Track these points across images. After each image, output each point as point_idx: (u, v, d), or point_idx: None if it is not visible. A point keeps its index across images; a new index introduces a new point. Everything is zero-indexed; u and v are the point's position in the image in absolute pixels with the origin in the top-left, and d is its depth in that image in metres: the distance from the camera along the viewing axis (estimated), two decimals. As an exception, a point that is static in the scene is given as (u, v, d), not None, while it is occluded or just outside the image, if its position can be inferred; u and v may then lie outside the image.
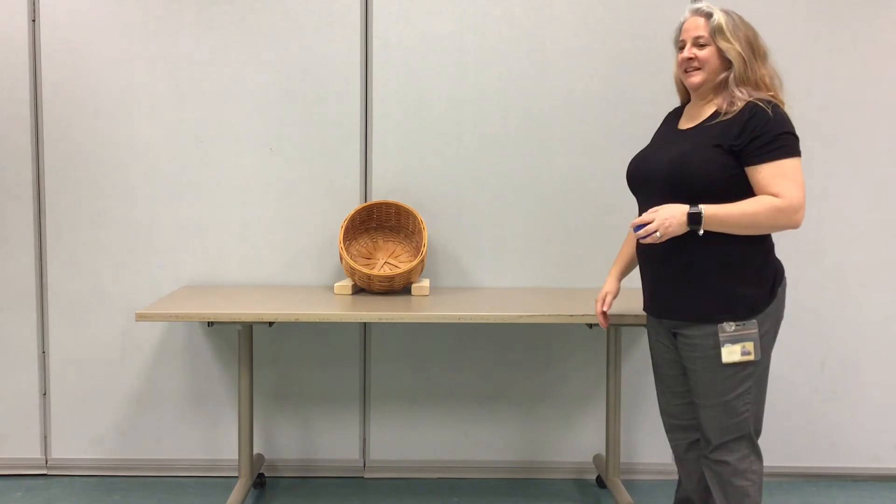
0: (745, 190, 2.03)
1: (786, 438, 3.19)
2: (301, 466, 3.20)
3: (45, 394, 3.16)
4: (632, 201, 2.33)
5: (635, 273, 2.37)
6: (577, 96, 3.08)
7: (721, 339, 2.04)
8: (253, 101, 3.07)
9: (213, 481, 3.13)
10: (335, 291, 2.90)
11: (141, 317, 2.49)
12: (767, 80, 2.08)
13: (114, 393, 3.16)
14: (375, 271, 2.91)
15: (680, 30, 2.17)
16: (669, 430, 2.34)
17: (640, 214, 2.22)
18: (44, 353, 3.15)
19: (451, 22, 3.06)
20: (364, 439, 3.21)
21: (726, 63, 2.08)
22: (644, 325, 2.39)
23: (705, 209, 2.00)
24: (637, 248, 2.28)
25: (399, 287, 2.88)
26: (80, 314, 3.11)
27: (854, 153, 3.10)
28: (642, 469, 3.21)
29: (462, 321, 2.57)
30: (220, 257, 3.11)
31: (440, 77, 3.07)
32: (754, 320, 2.04)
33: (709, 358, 2.07)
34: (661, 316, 2.21)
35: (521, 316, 2.54)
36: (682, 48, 2.15)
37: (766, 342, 2.08)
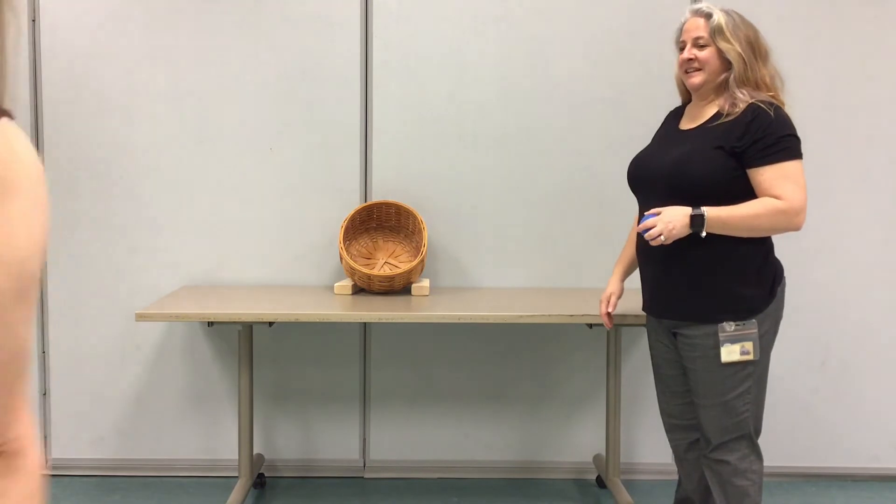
0: (746, 191, 2.03)
1: (786, 438, 3.19)
2: (301, 466, 3.20)
3: (45, 394, 3.16)
4: (632, 201, 2.33)
5: (637, 273, 2.37)
6: (577, 96, 3.08)
7: (721, 338, 2.04)
8: (253, 101, 3.07)
9: (213, 481, 3.13)
10: (335, 291, 2.90)
11: (141, 317, 2.49)
12: (768, 80, 2.08)
13: (114, 393, 3.16)
14: (375, 271, 2.91)
15: (681, 30, 2.17)
16: (669, 430, 2.34)
17: (640, 214, 2.22)
18: (44, 353, 3.15)
19: (451, 22, 3.06)
20: (364, 439, 3.21)
21: (726, 64, 2.08)
22: (645, 326, 2.39)
23: (708, 211, 2.00)
24: (637, 247, 2.28)
25: (399, 287, 2.88)
26: (80, 314, 3.11)
27: (854, 153, 3.09)
28: (642, 469, 3.21)
29: (462, 321, 2.57)
30: (220, 257, 3.11)
31: (440, 77, 3.07)
32: (754, 320, 2.04)
33: (708, 358, 2.07)
34: (660, 316, 2.21)
35: (521, 316, 2.54)
36: (682, 49, 2.15)
37: (765, 342, 2.08)
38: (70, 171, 3.04)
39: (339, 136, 3.08)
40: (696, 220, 2.00)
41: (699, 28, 2.10)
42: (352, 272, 2.85)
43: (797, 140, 2.03)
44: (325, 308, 2.61)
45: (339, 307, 2.63)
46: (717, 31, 2.07)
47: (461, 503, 2.96)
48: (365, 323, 3.15)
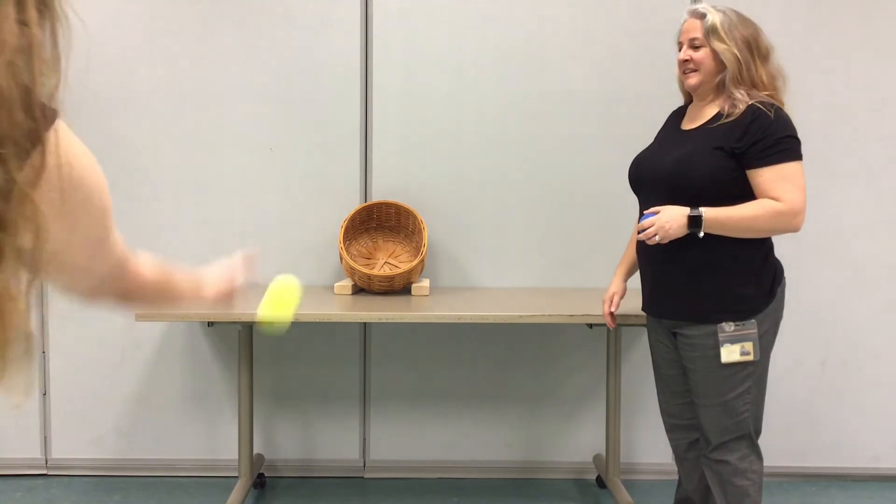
0: (746, 192, 2.03)
1: (786, 438, 3.19)
2: (301, 466, 3.20)
3: (45, 394, 3.16)
4: (632, 201, 2.32)
5: (638, 273, 2.37)
6: (577, 96, 3.08)
7: (720, 339, 2.04)
8: (253, 101, 3.07)
9: (213, 481, 3.13)
10: (335, 291, 2.90)
11: (141, 317, 2.49)
12: (765, 79, 2.07)
13: (114, 393, 3.15)
14: (375, 271, 2.91)
15: (679, 31, 2.18)
16: (670, 429, 2.34)
17: (640, 214, 2.22)
18: (44, 353, 3.15)
19: (451, 22, 3.06)
20: (364, 439, 3.21)
21: (722, 64, 2.08)
22: (645, 326, 2.39)
23: (706, 212, 2.00)
24: (637, 248, 2.28)
25: (399, 287, 2.88)
26: (80, 314, 3.11)
27: (854, 153, 3.09)
28: (642, 469, 3.21)
29: (462, 321, 2.57)
30: (219, 257, 3.10)
31: (440, 77, 3.07)
32: (753, 320, 2.04)
33: (708, 358, 2.07)
34: (660, 316, 2.21)
35: (521, 316, 2.54)
36: (681, 49, 2.15)
37: (765, 342, 2.07)
38: (70, 171, 3.03)
39: (339, 136, 3.08)
40: (694, 221, 2.00)
41: (695, 29, 2.10)
42: (352, 272, 2.84)
43: (797, 141, 2.02)
44: (325, 308, 2.60)
45: (339, 307, 2.63)
46: (711, 32, 2.07)
47: (461, 503, 2.96)
48: (365, 323, 3.15)
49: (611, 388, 2.96)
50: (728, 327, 2.04)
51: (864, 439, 3.19)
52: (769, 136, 1.98)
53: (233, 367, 3.14)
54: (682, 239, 2.04)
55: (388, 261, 3.06)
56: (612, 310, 2.36)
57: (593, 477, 3.20)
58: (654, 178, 2.15)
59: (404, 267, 2.94)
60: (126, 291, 0.93)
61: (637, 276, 2.33)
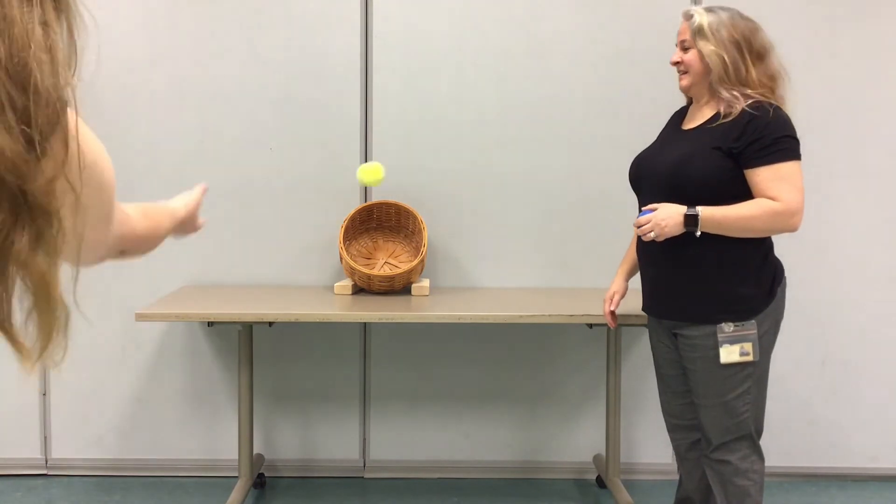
0: (744, 192, 2.03)
1: (786, 438, 3.19)
2: (301, 466, 3.20)
3: (45, 394, 3.16)
4: (633, 201, 2.33)
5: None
6: (577, 96, 3.08)
7: (720, 339, 2.04)
8: (253, 101, 3.07)
9: (213, 481, 3.13)
10: (335, 291, 2.90)
11: (141, 317, 2.49)
12: (755, 78, 2.04)
13: (114, 393, 3.15)
14: (375, 271, 2.91)
15: (677, 33, 2.19)
16: (671, 429, 2.34)
17: (639, 213, 2.22)
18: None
19: (451, 22, 3.06)
20: (364, 439, 3.21)
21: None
22: (646, 325, 2.39)
23: (702, 211, 2.00)
24: (637, 248, 2.28)
25: (399, 287, 2.88)
26: (80, 314, 3.10)
27: (854, 153, 3.09)
28: (642, 469, 3.21)
29: (462, 321, 2.57)
30: (220, 257, 3.11)
31: (440, 77, 3.07)
32: (753, 321, 2.04)
33: (708, 358, 2.07)
34: (660, 316, 2.21)
35: (521, 316, 2.54)
36: None
37: (765, 342, 2.07)
38: (70, 171, 3.03)
39: (339, 136, 3.08)
40: (690, 220, 2.00)
41: (685, 31, 2.12)
42: (351, 272, 2.84)
43: (795, 141, 2.02)
44: (325, 308, 2.61)
45: (339, 307, 2.63)
46: (697, 33, 2.08)
47: (461, 503, 2.96)
48: (365, 323, 3.15)
49: (611, 388, 2.96)
50: (727, 328, 2.04)
51: (863, 439, 3.19)
52: (766, 136, 1.97)
53: (233, 367, 3.14)
54: (681, 239, 2.04)
55: (388, 261, 3.07)
56: (612, 308, 2.36)
57: (593, 477, 3.20)
58: (652, 177, 2.16)
59: (404, 267, 2.94)
60: (123, 249, 1.03)
61: (639, 276, 2.33)
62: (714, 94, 2.11)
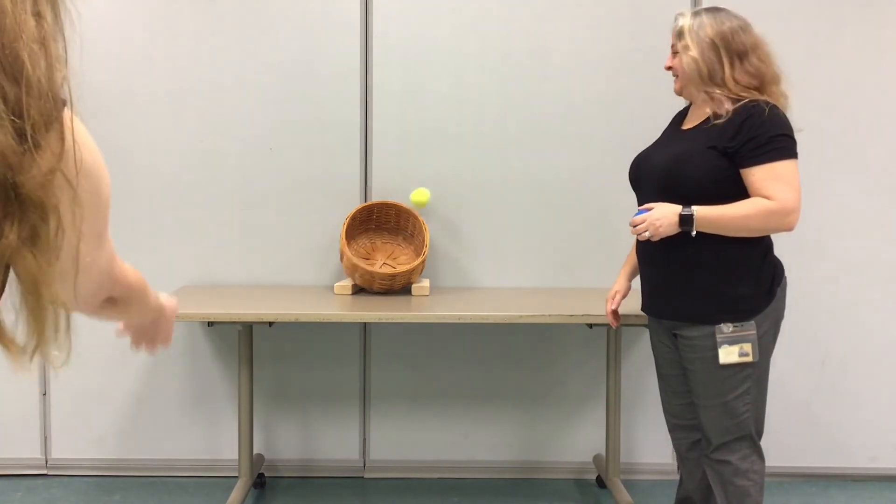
0: (741, 192, 2.03)
1: (786, 438, 3.19)
2: (301, 466, 3.20)
3: (45, 394, 3.16)
4: (632, 201, 2.33)
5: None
6: (577, 96, 3.08)
7: (718, 339, 2.04)
8: (253, 101, 3.07)
9: (213, 481, 3.13)
10: (335, 291, 2.90)
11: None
12: (732, 80, 2.03)
13: (114, 393, 3.15)
14: (377, 269, 2.91)
15: None
16: (672, 429, 2.34)
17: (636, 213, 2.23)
18: (44, 353, 3.14)
19: (451, 22, 3.06)
20: (364, 439, 3.21)
21: None
22: (646, 325, 2.39)
23: (697, 210, 2.00)
24: (637, 248, 2.28)
25: (398, 287, 2.88)
26: (80, 314, 3.11)
27: (854, 153, 3.09)
28: (642, 469, 3.21)
29: (462, 321, 2.57)
30: (220, 257, 3.11)
31: (440, 77, 3.07)
32: (752, 321, 2.04)
33: (707, 359, 2.07)
34: (660, 316, 2.21)
35: (521, 316, 2.54)
36: None
37: (765, 343, 2.07)
38: (70, 171, 3.03)
39: (339, 136, 3.08)
40: (685, 219, 2.00)
41: (673, 35, 2.14)
42: (353, 269, 2.84)
43: (791, 140, 2.01)
44: (325, 308, 2.61)
45: (339, 307, 2.63)
46: (678, 36, 2.11)
47: (461, 503, 2.96)
48: (365, 323, 3.15)
49: (611, 388, 2.96)
50: (726, 328, 2.04)
51: (863, 439, 3.19)
52: (761, 135, 1.97)
53: (233, 367, 3.14)
54: (679, 238, 2.04)
55: (387, 262, 3.06)
56: (614, 307, 2.36)
57: (593, 477, 3.20)
58: (649, 176, 2.16)
59: (405, 266, 2.94)
60: (114, 296, 0.97)
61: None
62: (707, 95, 2.12)
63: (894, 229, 3.12)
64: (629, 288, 2.38)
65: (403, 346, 3.17)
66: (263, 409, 3.18)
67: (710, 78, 2.05)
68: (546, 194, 3.11)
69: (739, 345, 2.03)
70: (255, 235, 3.10)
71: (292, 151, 3.08)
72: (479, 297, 2.88)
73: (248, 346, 2.84)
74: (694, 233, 2.01)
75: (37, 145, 0.60)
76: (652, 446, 3.20)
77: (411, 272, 2.82)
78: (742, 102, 2.01)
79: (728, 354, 2.04)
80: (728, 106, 2.02)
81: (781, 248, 2.18)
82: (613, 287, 2.39)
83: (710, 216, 2.00)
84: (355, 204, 3.08)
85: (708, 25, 2.05)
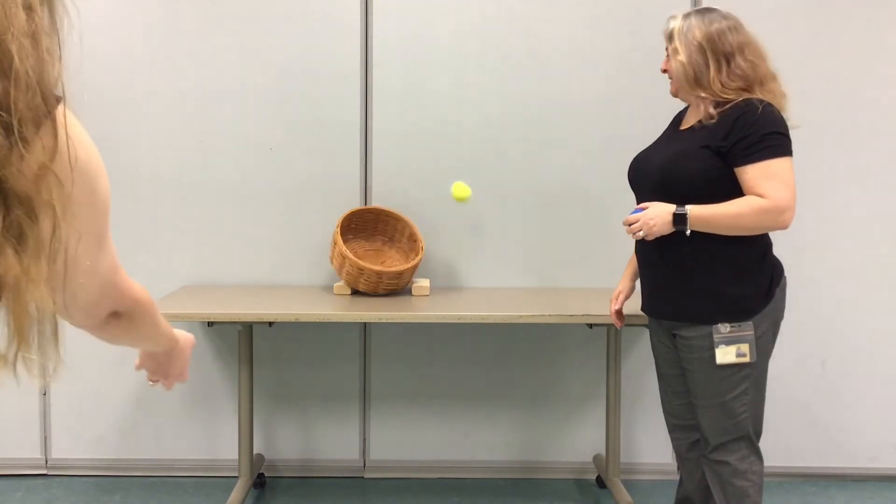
0: (736, 191, 2.02)
1: (786, 438, 3.19)
2: (301, 466, 3.21)
3: (45, 394, 3.16)
4: (632, 201, 2.33)
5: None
6: (577, 96, 3.08)
7: (715, 340, 2.03)
8: (253, 101, 3.07)
9: (213, 481, 3.13)
10: (335, 291, 2.90)
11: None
12: (718, 82, 2.02)
13: (114, 393, 3.16)
14: (385, 267, 2.91)
15: None
16: (671, 429, 2.34)
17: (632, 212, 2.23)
18: (44, 353, 3.14)
19: (451, 22, 3.06)
20: (364, 439, 3.21)
21: None
22: (647, 326, 2.39)
23: (691, 210, 2.00)
24: (636, 249, 2.28)
25: (402, 286, 2.87)
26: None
27: (853, 153, 3.09)
28: (642, 469, 3.21)
29: (462, 321, 2.57)
30: (219, 257, 3.11)
31: (440, 77, 3.07)
32: (750, 322, 2.03)
33: (705, 359, 2.06)
34: (658, 316, 2.21)
35: (521, 316, 2.54)
36: None
37: (763, 343, 2.06)
38: (70, 172, 3.03)
39: (339, 137, 3.08)
40: (679, 219, 2.00)
41: (665, 38, 2.15)
42: (358, 274, 2.80)
43: (785, 137, 2.00)
44: (325, 308, 2.61)
45: (338, 307, 2.63)
46: (668, 39, 2.13)
47: (461, 503, 2.96)
48: (365, 323, 3.15)
49: (611, 388, 2.96)
50: (724, 328, 2.03)
51: (863, 439, 3.19)
52: (754, 133, 1.96)
53: (233, 367, 3.14)
54: (676, 238, 2.04)
55: (384, 264, 3.06)
56: (617, 307, 2.36)
57: (593, 477, 3.20)
58: (647, 176, 2.17)
59: (409, 264, 2.94)
60: (118, 310, 0.93)
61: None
62: (696, 98, 2.12)
63: (894, 229, 3.12)
64: (633, 288, 2.38)
65: (403, 346, 3.17)
66: (263, 409, 3.18)
67: (696, 81, 2.06)
68: (545, 194, 3.11)
69: (737, 345, 2.03)
70: (255, 235, 3.10)
71: (292, 151, 3.08)
72: (479, 297, 2.88)
73: (247, 346, 2.84)
74: (688, 232, 2.01)
75: (24, 140, 0.59)
76: (652, 446, 3.20)
77: (415, 268, 2.82)
78: (735, 101, 2.01)
79: (725, 355, 2.03)
80: (711, 110, 2.02)
81: (781, 247, 2.18)
82: (617, 287, 2.39)
83: (704, 215, 2.00)
84: (355, 204, 3.08)
85: (696, 28, 2.05)
